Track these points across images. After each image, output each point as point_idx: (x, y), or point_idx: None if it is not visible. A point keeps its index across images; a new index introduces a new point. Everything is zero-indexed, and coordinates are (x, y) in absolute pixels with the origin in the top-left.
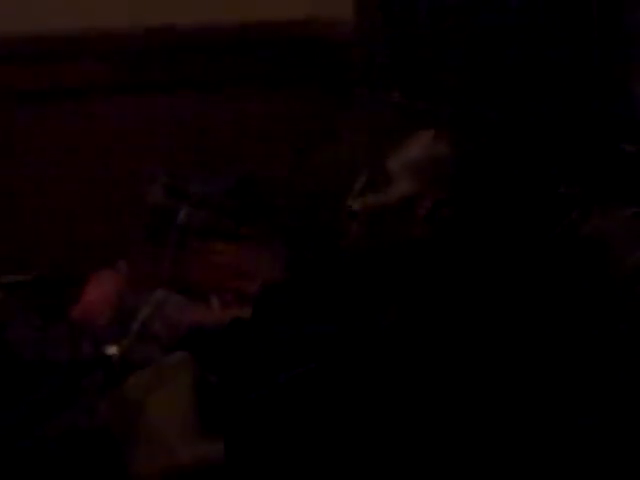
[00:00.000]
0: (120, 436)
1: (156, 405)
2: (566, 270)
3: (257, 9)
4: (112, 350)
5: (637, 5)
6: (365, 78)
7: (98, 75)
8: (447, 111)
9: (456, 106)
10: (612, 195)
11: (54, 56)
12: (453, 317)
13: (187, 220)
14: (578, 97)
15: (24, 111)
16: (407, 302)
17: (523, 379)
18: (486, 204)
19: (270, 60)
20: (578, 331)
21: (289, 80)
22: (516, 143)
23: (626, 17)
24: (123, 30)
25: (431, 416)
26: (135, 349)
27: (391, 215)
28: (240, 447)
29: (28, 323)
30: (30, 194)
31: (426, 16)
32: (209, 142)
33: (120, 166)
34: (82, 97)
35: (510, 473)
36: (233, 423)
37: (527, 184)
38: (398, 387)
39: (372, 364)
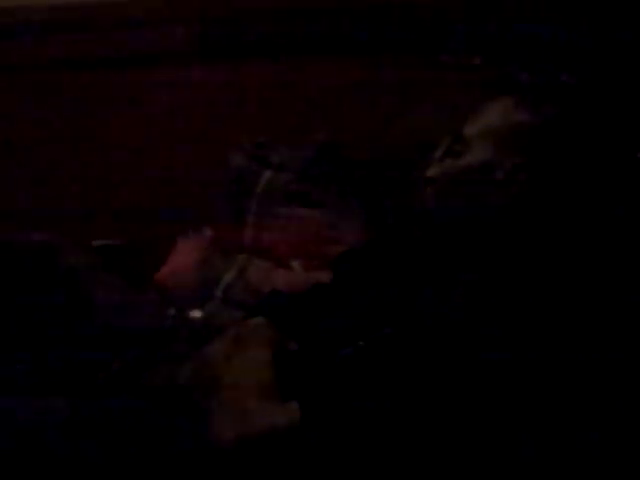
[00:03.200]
0: (200, 400)
1: (234, 370)
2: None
3: None
4: (196, 315)
5: None
6: (448, 43)
7: (181, 41)
8: (528, 76)
9: (536, 71)
10: None
11: (132, 23)
12: (527, 283)
13: (269, 186)
14: None
15: (103, 79)
16: (483, 268)
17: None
18: (564, 170)
19: (343, 26)
20: None
21: (370, 47)
22: (596, 109)
23: None
24: None
25: (508, 382)
26: (218, 314)
27: (468, 181)
28: (317, 412)
29: (114, 287)
30: (117, 161)
31: None
32: (292, 108)
33: (204, 132)
34: (165, 64)
35: None
36: (310, 388)
37: (605, 150)
38: (473, 353)
39: (450, 330)
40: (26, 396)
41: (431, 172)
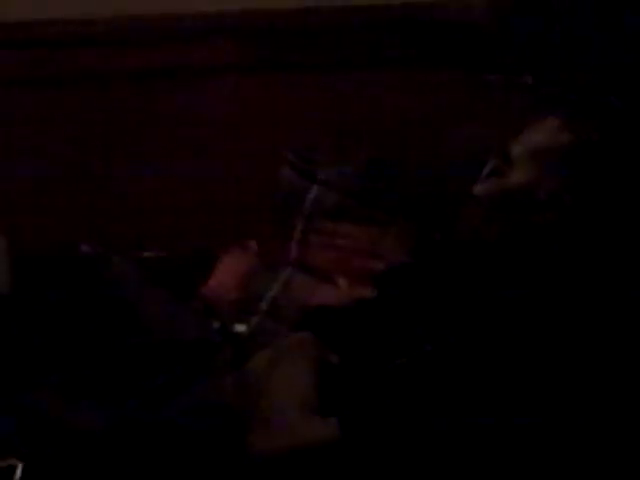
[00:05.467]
0: (242, 413)
1: (277, 383)
2: None
3: None
4: (240, 328)
5: None
6: (497, 61)
7: (231, 55)
8: (576, 98)
9: (585, 93)
10: None
11: (186, 35)
12: (572, 303)
13: (316, 201)
14: None
15: (155, 91)
16: (526, 287)
17: None
18: (607, 193)
19: (402, 42)
20: None
21: (421, 63)
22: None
23: None
24: (257, 10)
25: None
26: (263, 328)
27: (511, 201)
28: (357, 427)
29: (160, 300)
30: (165, 173)
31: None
32: (340, 124)
33: (251, 146)
34: (214, 76)
35: None
36: (351, 403)
37: None
38: (516, 373)
39: (490, 348)
40: (71, 404)
41: (476, 191)
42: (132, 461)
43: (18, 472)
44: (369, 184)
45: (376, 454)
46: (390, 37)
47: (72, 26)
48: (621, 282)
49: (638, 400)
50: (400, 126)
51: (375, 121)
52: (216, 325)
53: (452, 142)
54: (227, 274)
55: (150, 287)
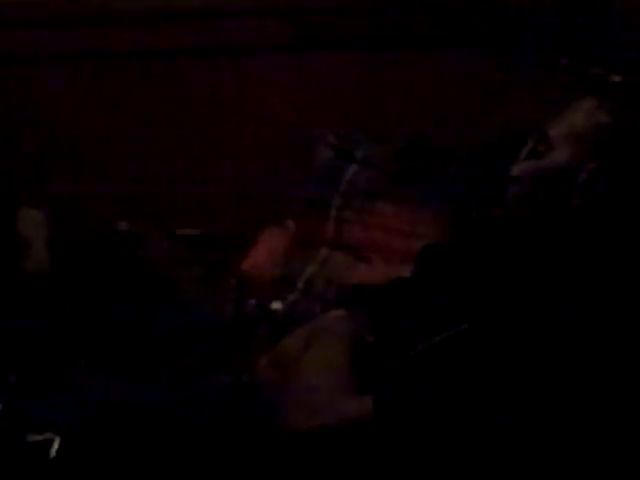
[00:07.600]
0: (276, 391)
1: (312, 362)
2: None
3: None
4: (277, 306)
5: None
6: (535, 42)
7: (265, 32)
8: (613, 77)
9: (622, 73)
10: None
11: (222, 13)
12: (609, 284)
13: (353, 180)
14: None
15: (190, 70)
16: (561, 267)
17: None
18: None
19: (437, 21)
20: None
21: (456, 42)
22: None
23: None
24: None
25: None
26: (299, 306)
27: (549, 182)
28: (391, 406)
29: (196, 277)
30: (202, 151)
31: None
32: (376, 103)
33: (289, 125)
34: (249, 54)
35: None
36: (386, 382)
37: None
38: (553, 350)
39: (526, 327)
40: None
41: (515, 171)
42: (165, 437)
43: (55, 446)
44: (406, 164)
45: (410, 433)
46: (425, 17)
47: (105, 4)
48: None
49: None
50: (437, 106)
51: (412, 101)
52: (252, 303)
53: (490, 123)
54: (264, 252)
55: (186, 265)
